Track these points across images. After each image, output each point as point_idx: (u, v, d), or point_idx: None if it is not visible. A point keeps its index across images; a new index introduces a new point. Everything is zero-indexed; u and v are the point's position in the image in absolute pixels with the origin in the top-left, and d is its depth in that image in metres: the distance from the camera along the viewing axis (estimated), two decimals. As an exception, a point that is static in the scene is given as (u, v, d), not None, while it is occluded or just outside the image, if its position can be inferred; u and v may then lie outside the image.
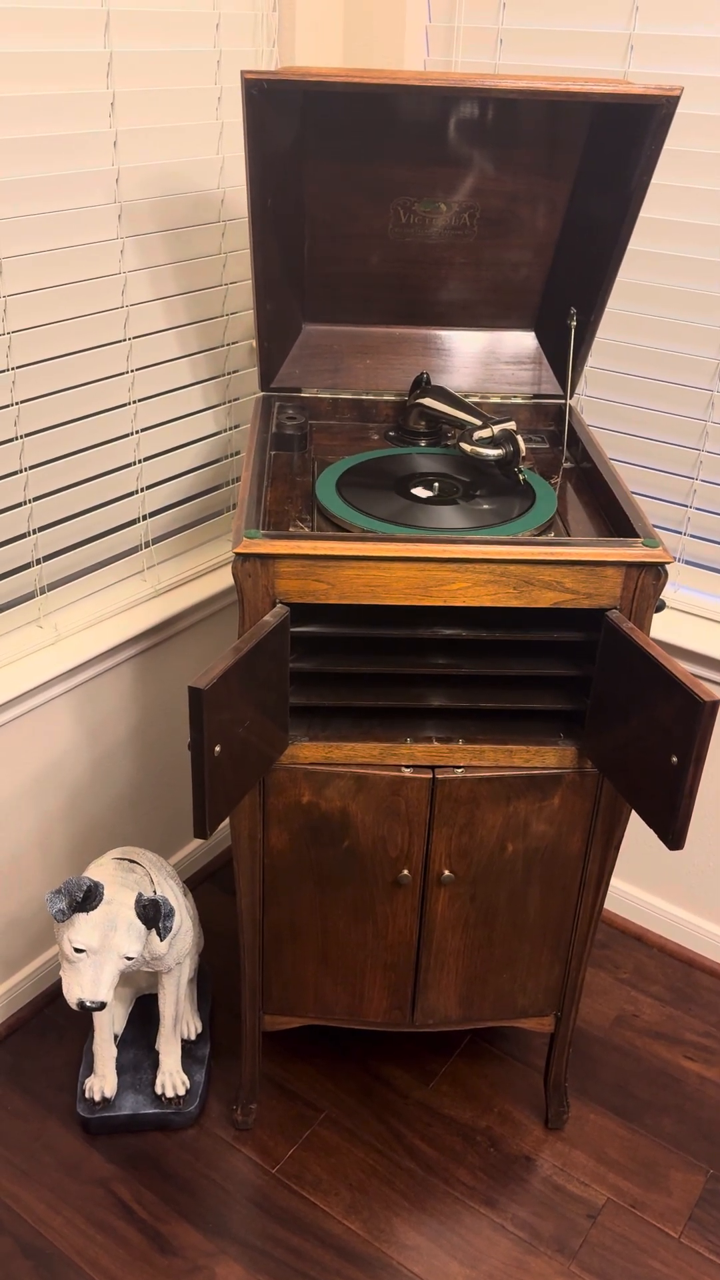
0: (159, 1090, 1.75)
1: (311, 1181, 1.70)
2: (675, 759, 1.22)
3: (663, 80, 1.66)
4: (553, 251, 1.62)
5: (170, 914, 1.51)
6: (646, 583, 1.31)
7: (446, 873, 1.48)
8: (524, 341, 1.73)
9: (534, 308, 1.69)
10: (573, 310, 1.58)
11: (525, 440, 1.67)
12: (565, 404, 1.69)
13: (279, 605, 1.30)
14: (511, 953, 1.59)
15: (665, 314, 1.79)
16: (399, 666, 1.38)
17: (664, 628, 1.88)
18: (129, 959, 1.48)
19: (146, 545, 1.89)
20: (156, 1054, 1.79)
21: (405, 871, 1.48)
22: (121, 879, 1.54)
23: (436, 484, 1.48)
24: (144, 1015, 1.87)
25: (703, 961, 2.11)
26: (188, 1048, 1.84)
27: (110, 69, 1.55)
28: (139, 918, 1.48)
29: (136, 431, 1.79)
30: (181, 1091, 1.75)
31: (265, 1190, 1.69)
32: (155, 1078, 1.77)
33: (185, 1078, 1.77)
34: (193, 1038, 1.85)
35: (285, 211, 1.52)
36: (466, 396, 1.67)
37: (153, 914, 1.48)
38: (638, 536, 1.31)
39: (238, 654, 1.21)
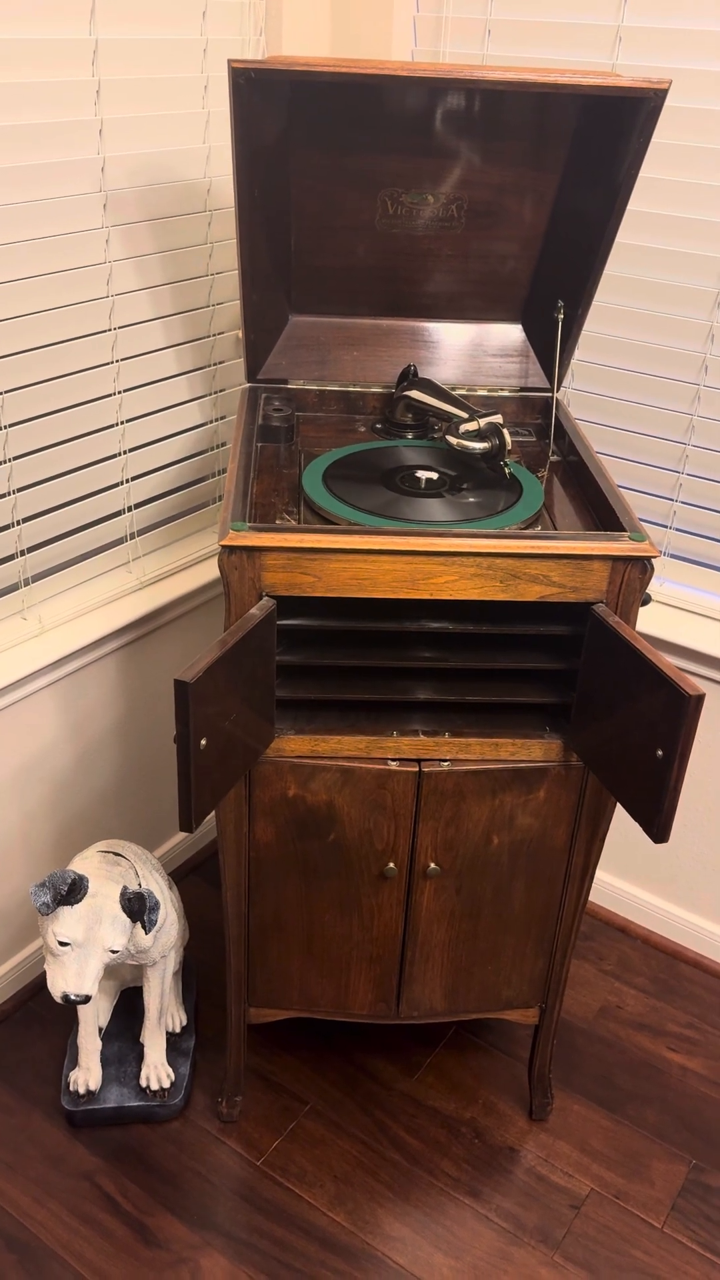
0: (143, 1083, 1.75)
1: (296, 1173, 1.70)
2: (660, 752, 1.22)
3: (651, 73, 1.66)
4: (540, 244, 1.62)
5: (155, 907, 1.50)
6: (632, 576, 1.31)
7: (432, 865, 1.48)
8: (511, 334, 1.73)
9: (521, 300, 1.69)
10: (560, 303, 1.58)
11: (512, 433, 1.67)
12: (552, 397, 1.69)
13: (265, 598, 1.29)
14: (497, 945, 1.59)
15: (652, 308, 1.79)
16: (385, 660, 1.38)
17: (650, 622, 1.89)
18: (114, 952, 1.48)
19: (132, 537, 1.88)
20: (141, 1047, 1.79)
21: (391, 864, 1.48)
22: (106, 872, 1.54)
23: (434, 475, 1.47)
24: (129, 1008, 1.87)
25: (686, 953, 2.12)
26: (172, 1040, 1.83)
27: (96, 56, 1.54)
28: (124, 911, 1.48)
29: (122, 422, 1.78)
30: (166, 1084, 1.75)
31: (250, 1182, 1.69)
32: (140, 1070, 1.77)
33: (170, 1070, 1.77)
34: (178, 1030, 1.85)
35: (272, 202, 1.51)
36: (453, 389, 1.67)
37: (138, 907, 1.48)
38: (624, 530, 1.31)
39: (224, 647, 1.20)
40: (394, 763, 1.41)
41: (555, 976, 1.64)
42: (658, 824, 1.26)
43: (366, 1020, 1.67)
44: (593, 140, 1.46)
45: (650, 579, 1.32)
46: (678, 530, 1.90)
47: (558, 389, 1.68)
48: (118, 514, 1.83)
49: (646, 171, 1.68)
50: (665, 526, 1.90)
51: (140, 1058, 1.79)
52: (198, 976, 1.99)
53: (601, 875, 2.19)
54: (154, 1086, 1.75)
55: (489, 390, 1.71)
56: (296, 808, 1.45)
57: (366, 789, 1.42)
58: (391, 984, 1.62)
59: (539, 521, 1.42)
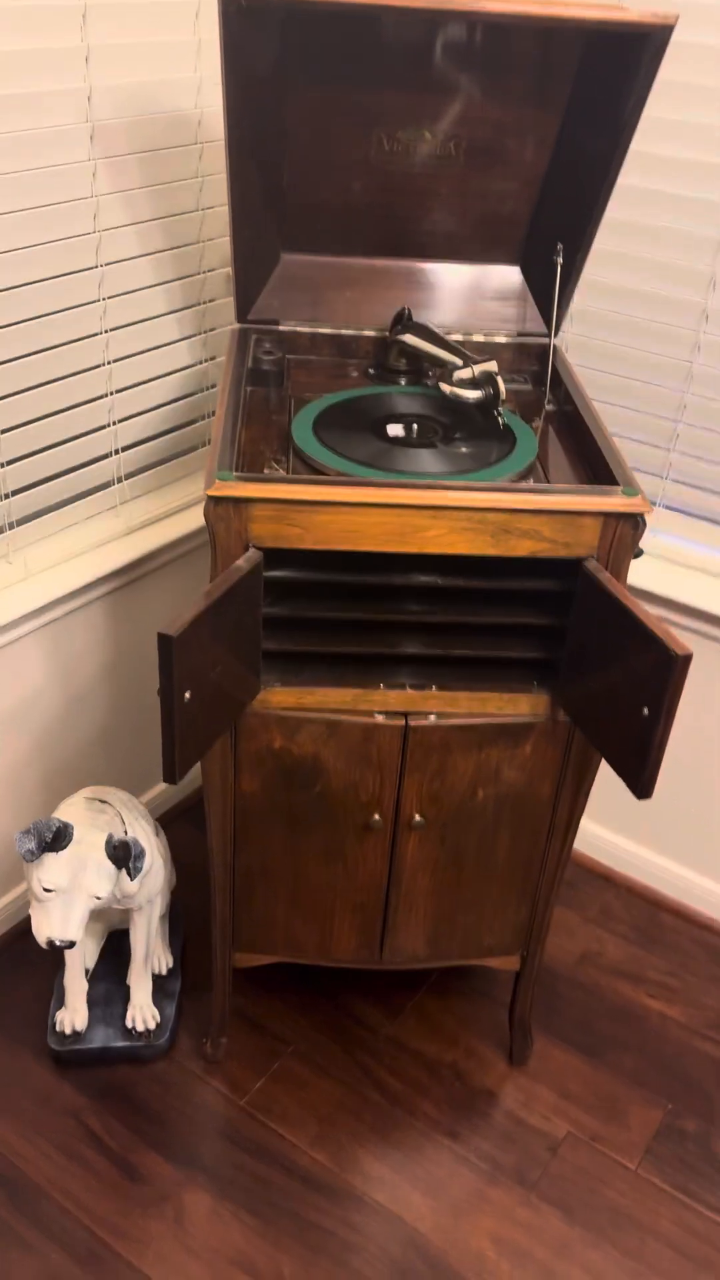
0: (129, 1024, 1.77)
1: (279, 1113, 1.73)
2: (646, 710, 1.21)
3: (659, 5, 1.60)
4: (540, 184, 1.57)
5: (140, 855, 1.51)
6: (624, 532, 1.29)
7: (417, 817, 1.48)
8: (509, 277, 1.69)
9: (520, 242, 1.64)
10: (559, 246, 1.54)
11: (507, 381, 1.63)
12: (550, 343, 1.65)
13: (252, 549, 1.27)
14: (480, 894, 1.60)
15: (654, 253, 1.75)
16: (374, 613, 1.37)
17: (642, 575, 1.87)
18: (99, 899, 1.48)
19: (119, 480, 1.85)
20: (128, 988, 1.80)
21: (376, 816, 1.48)
22: (92, 819, 1.54)
23: (415, 426, 1.45)
24: (116, 949, 1.89)
25: (668, 902, 2.14)
26: (159, 982, 1.85)
27: (81, -23, 1.48)
28: (109, 858, 1.48)
29: (109, 362, 1.74)
30: (152, 1025, 1.77)
31: (234, 1121, 1.72)
32: (126, 1012, 1.79)
33: (155, 1012, 1.79)
34: (164, 972, 1.86)
35: (264, 137, 1.46)
36: (449, 334, 1.63)
37: (123, 854, 1.48)
38: (617, 484, 1.29)
39: (209, 599, 1.19)
40: (380, 716, 1.40)
41: (537, 925, 1.66)
42: (642, 781, 1.26)
43: (350, 966, 1.68)
44: (596, 77, 1.41)
45: (643, 534, 1.30)
46: (673, 481, 1.87)
47: (555, 334, 1.65)
48: (105, 457, 1.80)
49: (651, 110, 1.63)
50: (661, 477, 1.88)
51: (127, 999, 1.81)
52: (184, 919, 2.00)
53: (585, 823, 2.20)
54: (139, 1028, 1.77)
55: (485, 335, 1.68)
56: (282, 759, 1.44)
57: (353, 742, 1.42)
58: (375, 931, 1.63)
59: (532, 473, 1.39)
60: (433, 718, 1.40)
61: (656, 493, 1.89)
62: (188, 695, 1.19)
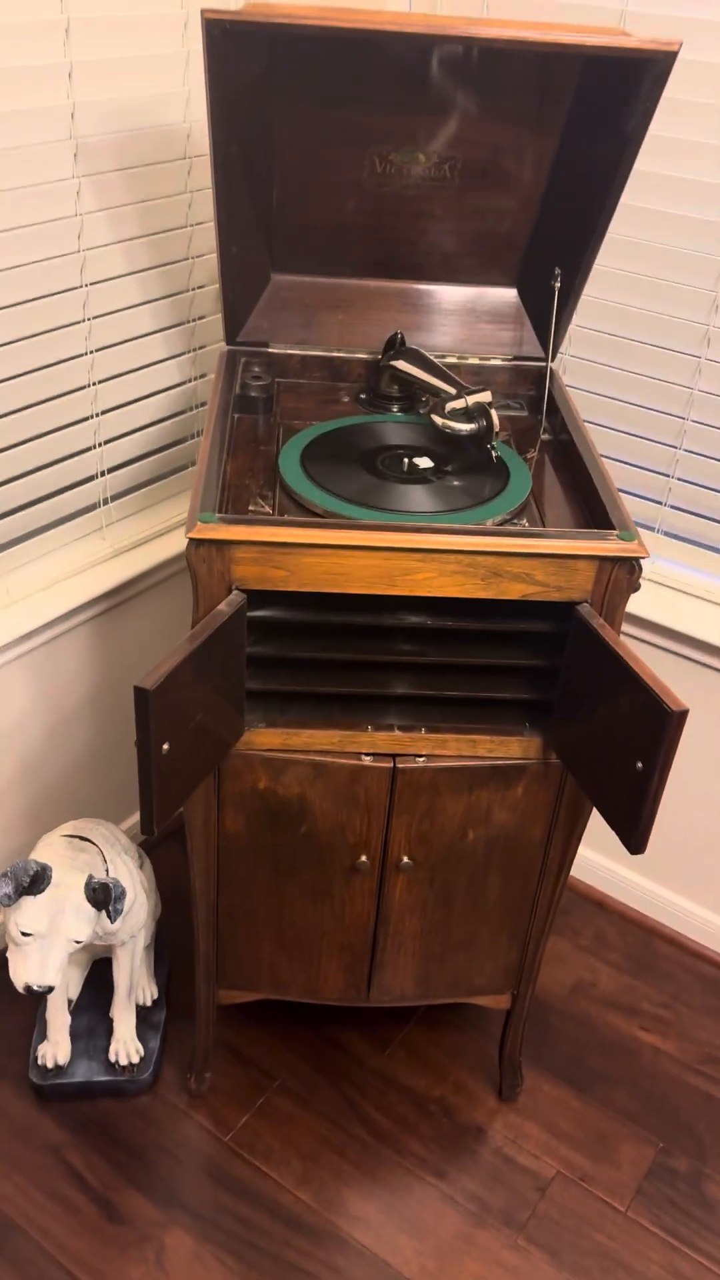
0: (112, 1058, 1.74)
1: (264, 1151, 1.70)
2: (640, 764, 1.18)
3: (664, 20, 1.55)
4: (538, 206, 1.52)
5: (121, 896, 1.47)
6: (620, 576, 1.25)
7: (405, 859, 1.45)
8: (505, 298, 1.64)
9: (516, 263, 1.60)
10: (557, 271, 1.49)
11: (502, 406, 1.59)
12: (546, 368, 1.61)
13: (235, 592, 1.23)
14: (470, 935, 1.57)
15: (655, 274, 1.71)
16: (361, 653, 1.33)
17: (641, 602, 1.83)
18: (78, 943, 1.44)
19: (105, 502, 1.81)
20: (111, 1020, 1.77)
21: (363, 858, 1.44)
22: (71, 859, 1.50)
23: (414, 461, 1.40)
24: (100, 980, 1.85)
25: (662, 930, 2.11)
26: (143, 1014, 1.82)
27: (65, -10, 1.43)
28: (89, 901, 1.44)
29: (94, 383, 1.69)
30: (135, 1060, 1.74)
31: (217, 1159, 1.69)
32: (109, 1045, 1.76)
33: (139, 1046, 1.76)
34: (148, 1004, 1.83)
35: (252, 157, 1.42)
36: (443, 358, 1.59)
37: (103, 897, 1.45)
38: (613, 528, 1.25)
39: (190, 647, 1.15)
40: (368, 758, 1.36)
41: (528, 965, 1.62)
42: (635, 836, 1.22)
43: (336, 1004, 1.65)
44: (597, 99, 1.37)
45: (639, 578, 1.26)
46: (672, 508, 1.83)
47: (553, 359, 1.60)
48: (90, 479, 1.76)
49: (654, 129, 1.58)
50: (660, 503, 1.84)
51: (110, 1031, 1.77)
52: (171, 946, 1.97)
53: (580, 850, 2.16)
54: (122, 1062, 1.74)
55: (481, 359, 1.63)
56: (267, 800, 1.40)
57: (339, 784, 1.38)
58: (362, 971, 1.60)
59: (525, 511, 1.35)
60: (421, 760, 1.37)
61: (655, 518, 1.85)
62: (166, 747, 1.15)
